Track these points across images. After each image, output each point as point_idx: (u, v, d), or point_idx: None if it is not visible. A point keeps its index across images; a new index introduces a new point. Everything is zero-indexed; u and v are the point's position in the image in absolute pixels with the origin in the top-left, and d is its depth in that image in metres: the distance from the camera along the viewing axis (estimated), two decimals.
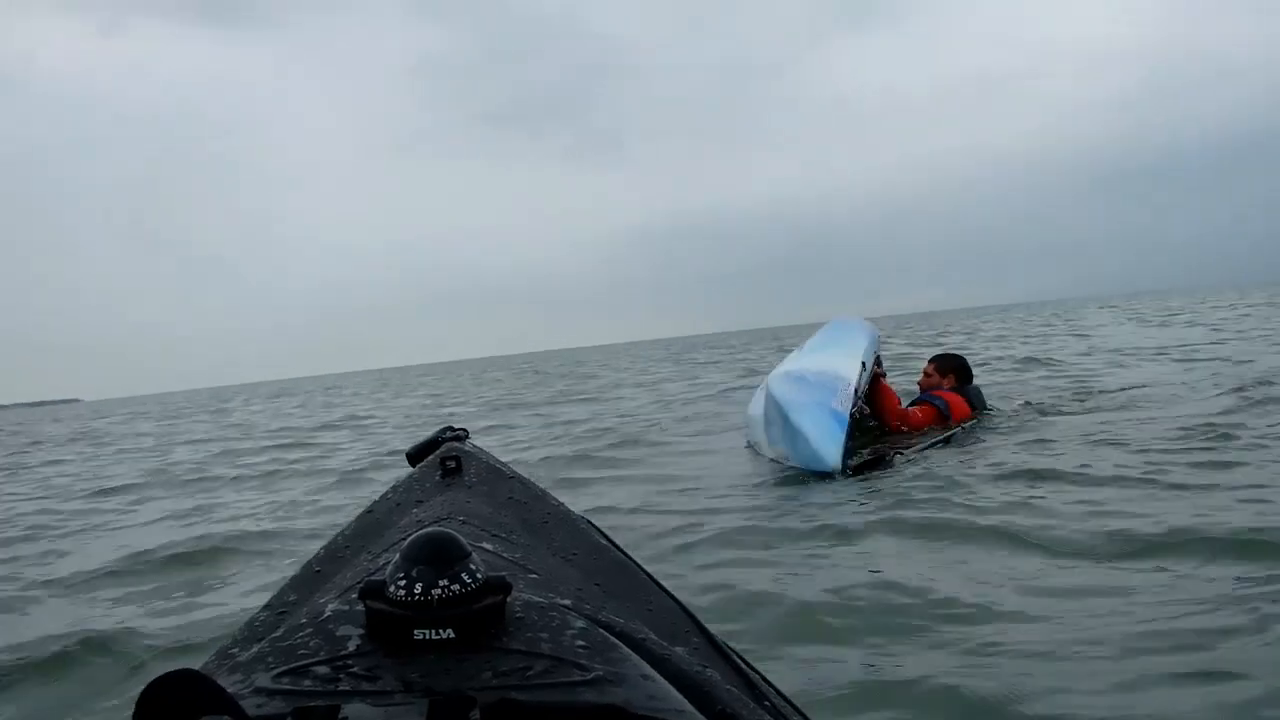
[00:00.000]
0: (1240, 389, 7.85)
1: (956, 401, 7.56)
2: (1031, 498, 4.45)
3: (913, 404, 7.64)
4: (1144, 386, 8.85)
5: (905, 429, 7.27)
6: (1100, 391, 8.86)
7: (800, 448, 5.97)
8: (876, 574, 3.46)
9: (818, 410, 6.15)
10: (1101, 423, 6.79)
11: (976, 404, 7.78)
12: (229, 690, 0.82)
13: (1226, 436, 5.61)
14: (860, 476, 5.58)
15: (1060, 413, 7.70)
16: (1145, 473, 4.76)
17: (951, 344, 12.10)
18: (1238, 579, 3.06)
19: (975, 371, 8.36)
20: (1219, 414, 6.54)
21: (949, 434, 6.92)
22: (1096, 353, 14.23)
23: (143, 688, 0.79)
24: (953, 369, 8.03)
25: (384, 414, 18.34)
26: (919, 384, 8.19)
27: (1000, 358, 14.50)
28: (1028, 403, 8.39)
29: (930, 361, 8.25)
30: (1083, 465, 5.04)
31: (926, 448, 6.42)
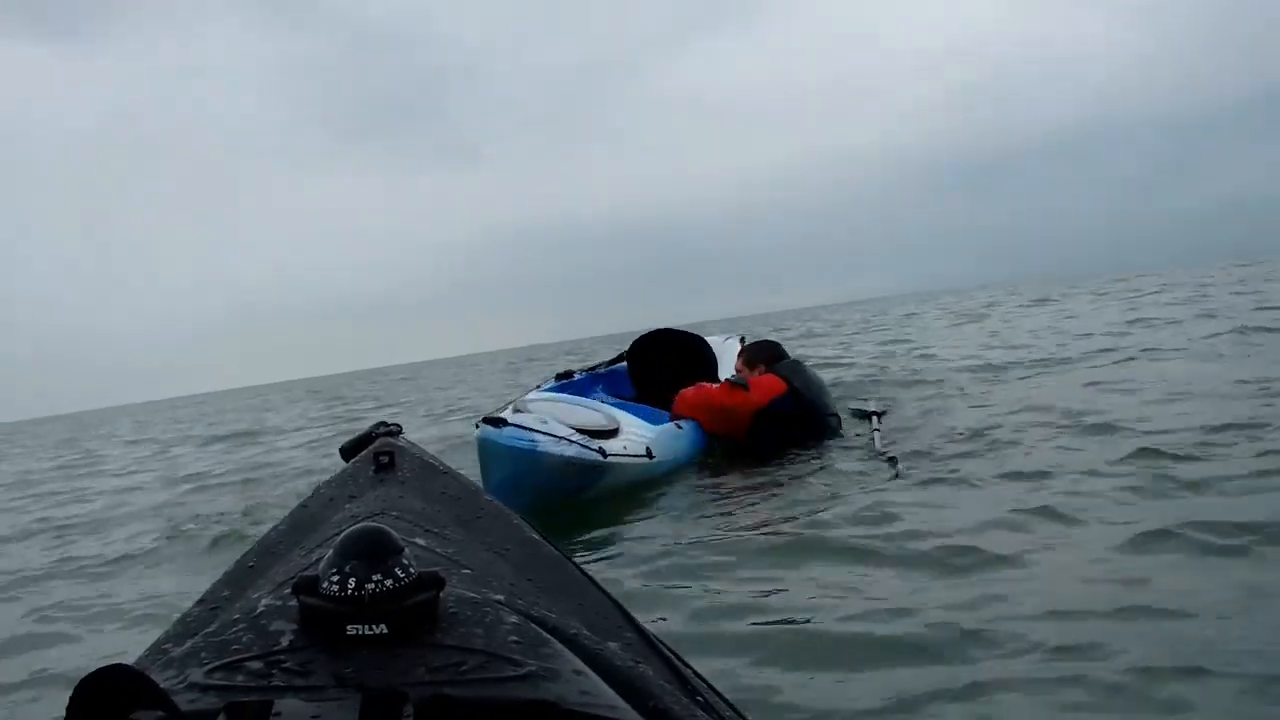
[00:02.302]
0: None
1: (759, 381, 6.81)
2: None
3: None
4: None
5: (723, 420, 6.62)
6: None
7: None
8: (811, 578, 3.50)
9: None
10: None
11: (795, 380, 6.90)
12: (162, 686, 0.82)
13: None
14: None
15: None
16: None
17: (787, 339, 11.28)
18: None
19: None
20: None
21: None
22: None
23: (75, 684, 0.79)
24: (762, 358, 7.22)
25: None
26: None
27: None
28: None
29: (739, 357, 7.44)
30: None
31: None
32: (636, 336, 8.04)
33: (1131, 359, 9.01)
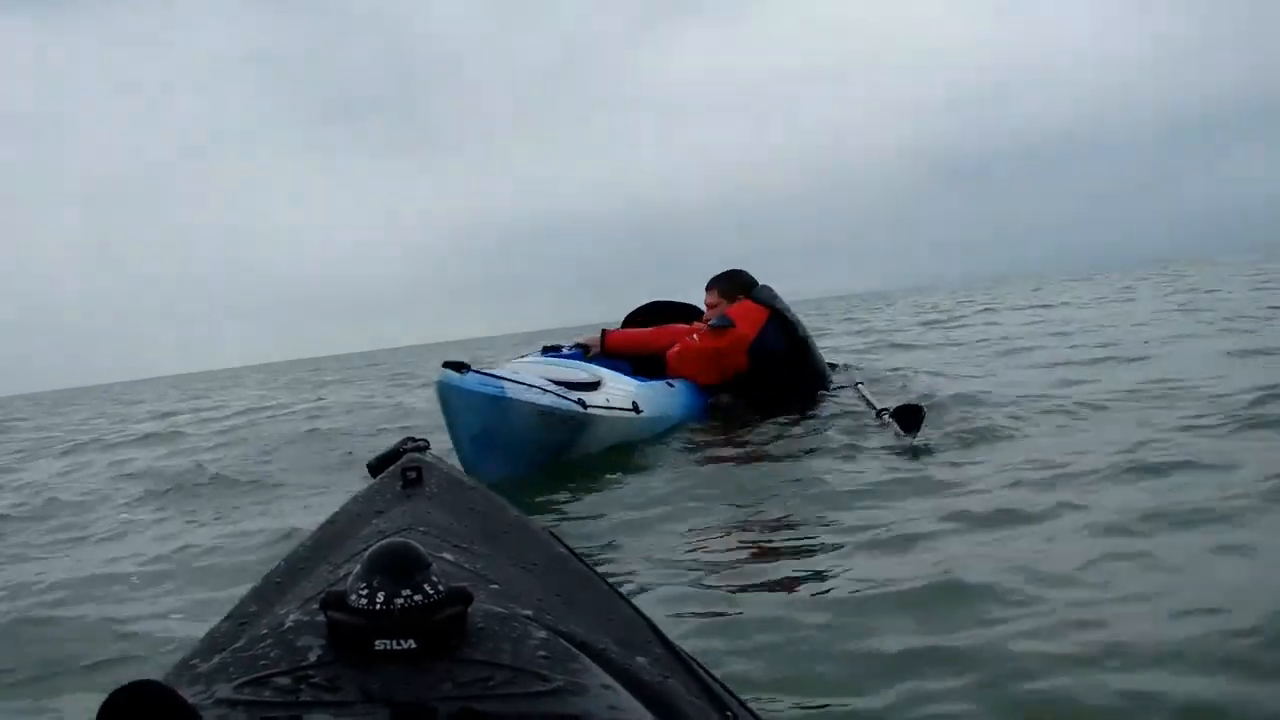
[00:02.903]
0: None
1: (739, 310, 6.29)
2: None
3: None
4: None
5: (699, 371, 6.19)
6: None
7: None
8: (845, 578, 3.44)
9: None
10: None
11: (776, 304, 6.47)
12: (190, 701, 0.83)
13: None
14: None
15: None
16: None
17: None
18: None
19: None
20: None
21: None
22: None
23: (103, 698, 0.79)
24: (736, 287, 6.60)
25: None
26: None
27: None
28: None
29: (708, 293, 6.72)
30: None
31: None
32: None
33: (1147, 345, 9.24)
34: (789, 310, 6.49)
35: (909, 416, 4.92)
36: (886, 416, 5.09)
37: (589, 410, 5.09)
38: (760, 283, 6.71)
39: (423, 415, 8.33)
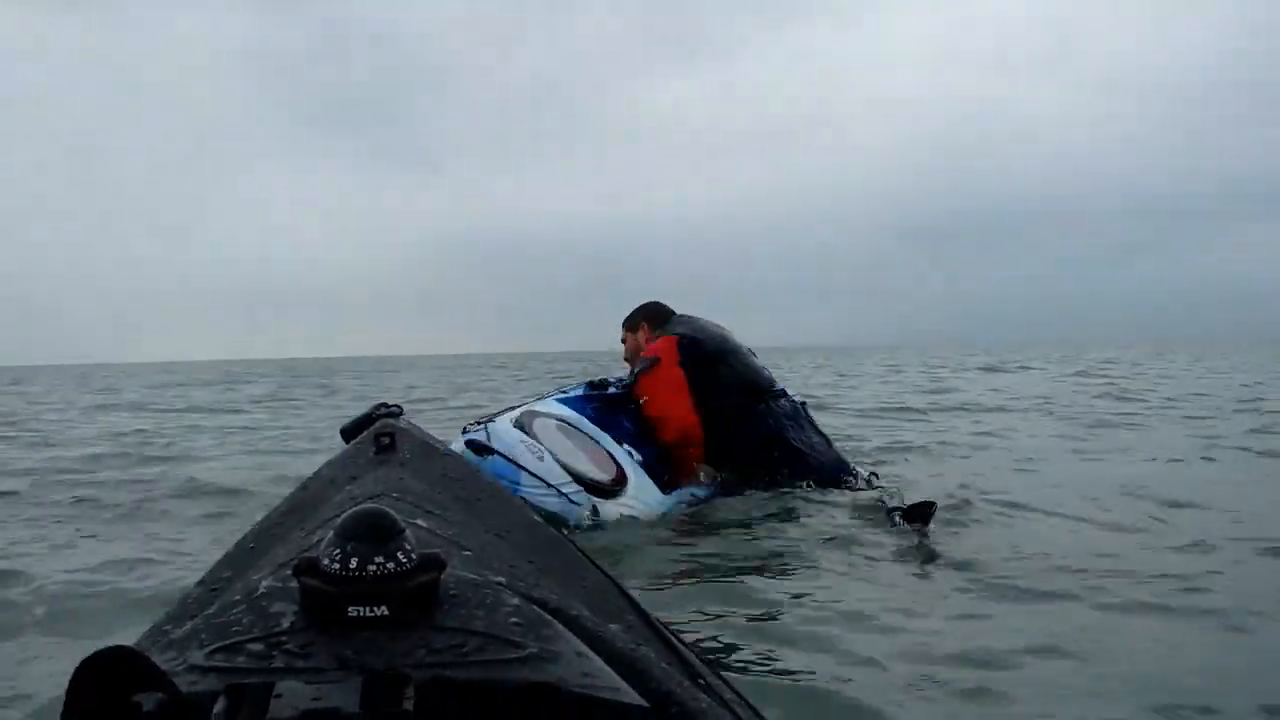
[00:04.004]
0: None
1: (656, 348, 5.98)
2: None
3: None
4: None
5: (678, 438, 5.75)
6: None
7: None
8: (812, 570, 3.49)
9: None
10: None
11: (680, 327, 6.13)
12: (162, 667, 0.82)
13: None
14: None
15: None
16: None
17: None
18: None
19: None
20: None
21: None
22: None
23: (75, 665, 0.79)
24: (644, 318, 6.32)
25: None
26: (626, 361, 6.38)
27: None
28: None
29: (624, 330, 6.40)
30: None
31: None
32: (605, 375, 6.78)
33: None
34: (695, 325, 6.19)
35: (919, 512, 4.64)
36: (898, 517, 4.79)
37: (599, 519, 4.83)
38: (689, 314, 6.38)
39: None
